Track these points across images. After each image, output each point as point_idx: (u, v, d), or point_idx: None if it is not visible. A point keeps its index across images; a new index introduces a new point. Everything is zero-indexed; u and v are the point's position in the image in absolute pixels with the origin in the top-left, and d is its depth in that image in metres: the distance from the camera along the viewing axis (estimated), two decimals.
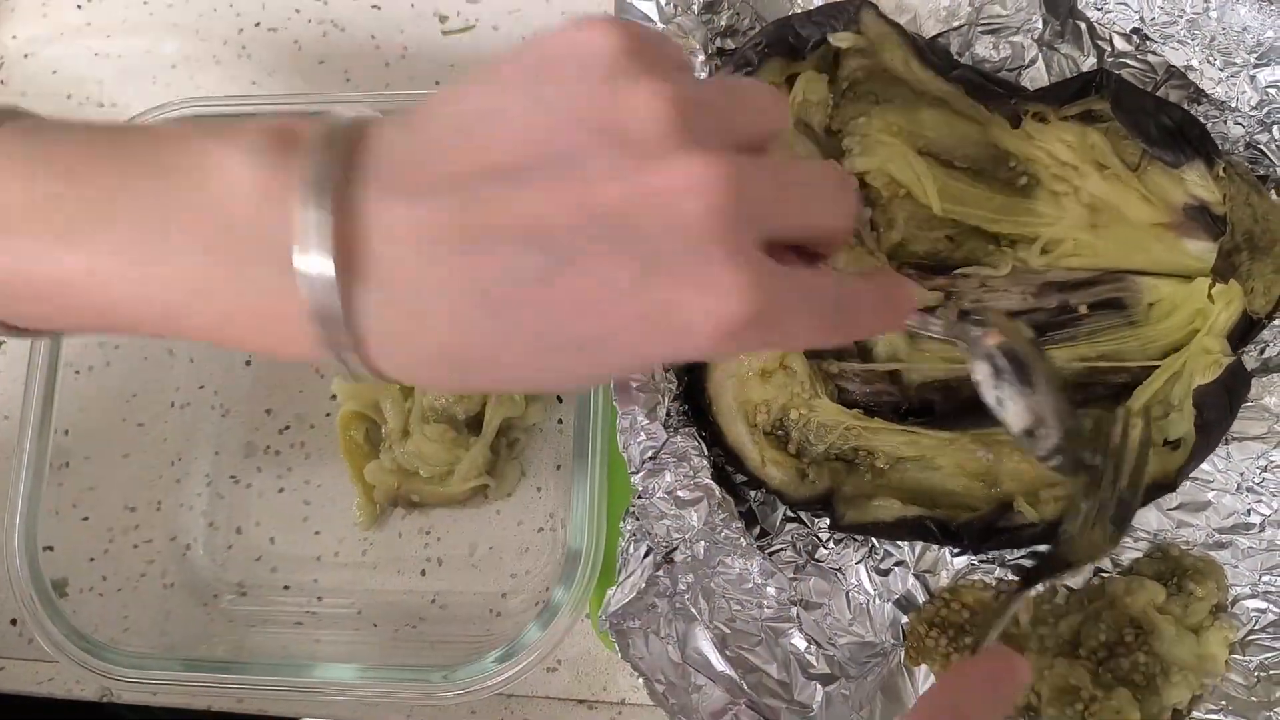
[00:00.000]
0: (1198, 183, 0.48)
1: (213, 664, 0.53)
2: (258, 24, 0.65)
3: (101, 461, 0.59)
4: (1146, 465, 0.46)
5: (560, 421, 0.58)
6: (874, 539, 0.51)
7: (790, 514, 0.52)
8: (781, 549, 0.51)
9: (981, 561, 0.51)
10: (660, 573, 0.48)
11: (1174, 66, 0.50)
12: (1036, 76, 0.52)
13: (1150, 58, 0.51)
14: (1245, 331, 0.49)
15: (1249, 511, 0.50)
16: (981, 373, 0.44)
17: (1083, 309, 0.51)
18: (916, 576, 0.51)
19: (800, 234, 0.32)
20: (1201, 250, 0.49)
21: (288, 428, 0.60)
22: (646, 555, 0.48)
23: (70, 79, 0.65)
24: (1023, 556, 0.50)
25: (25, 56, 0.66)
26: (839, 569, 0.51)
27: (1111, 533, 0.45)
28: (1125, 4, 0.50)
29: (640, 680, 0.47)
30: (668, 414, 0.49)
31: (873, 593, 0.51)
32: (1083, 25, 0.52)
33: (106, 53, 0.65)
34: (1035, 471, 0.49)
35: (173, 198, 0.29)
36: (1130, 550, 0.50)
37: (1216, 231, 0.49)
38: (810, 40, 0.50)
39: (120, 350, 0.60)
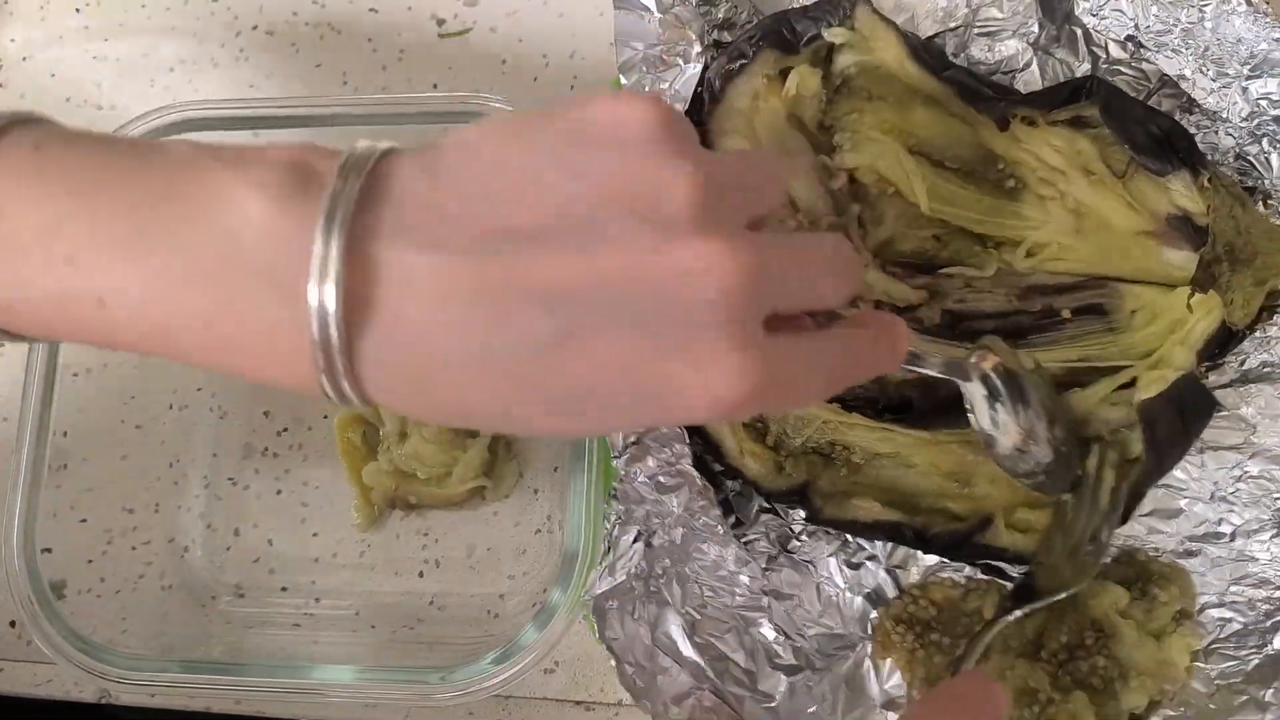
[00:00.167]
0: (1182, 192, 0.49)
1: (211, 665, 0.53)
2: (255, 27, 0.65)
3: (100, 463, 0.59)
4: (1122, 498, 0.46)
5: None
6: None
7: (765, 505, 0.52)
8: (755, 539, 0.51)
9: (952, 559, 0.51)
10: (639, 556, 0.48)
11: (1167, 75, 0.50)
12: (1030, 80, 0.53)
13: (1144, 65, 0.51)
14: (1224, 342, 0.49)
15: (1220, 521, 0.50)
16: (976, 395, 0.45)
17: (1065, 313, 0.51)
18: (888, 571, 0.51)
19: (804, 307, 0.33)
20: (1183, 260, 0.50)
21: (285, 430, 0.60)
22: (636, 540, 0.48)
23: (68, 81, 0.65)
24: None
25: (24, 59, 0.66)
26: (811, 561, 0.51)
27: (1089, 562, 0.46)
28: (1121, 11, 0.50)
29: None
30: None
31: (843, 586, 0.51)
32: (1078, 31, 0.52)
33: (104, 55, 0.65)
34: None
35: (187, 228, 0.29)
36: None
37: (1198, 242, 0.49)
38: (805, 35, 0.51)
39: (118, 353, 0.60)
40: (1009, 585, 0.50)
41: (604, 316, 0.28)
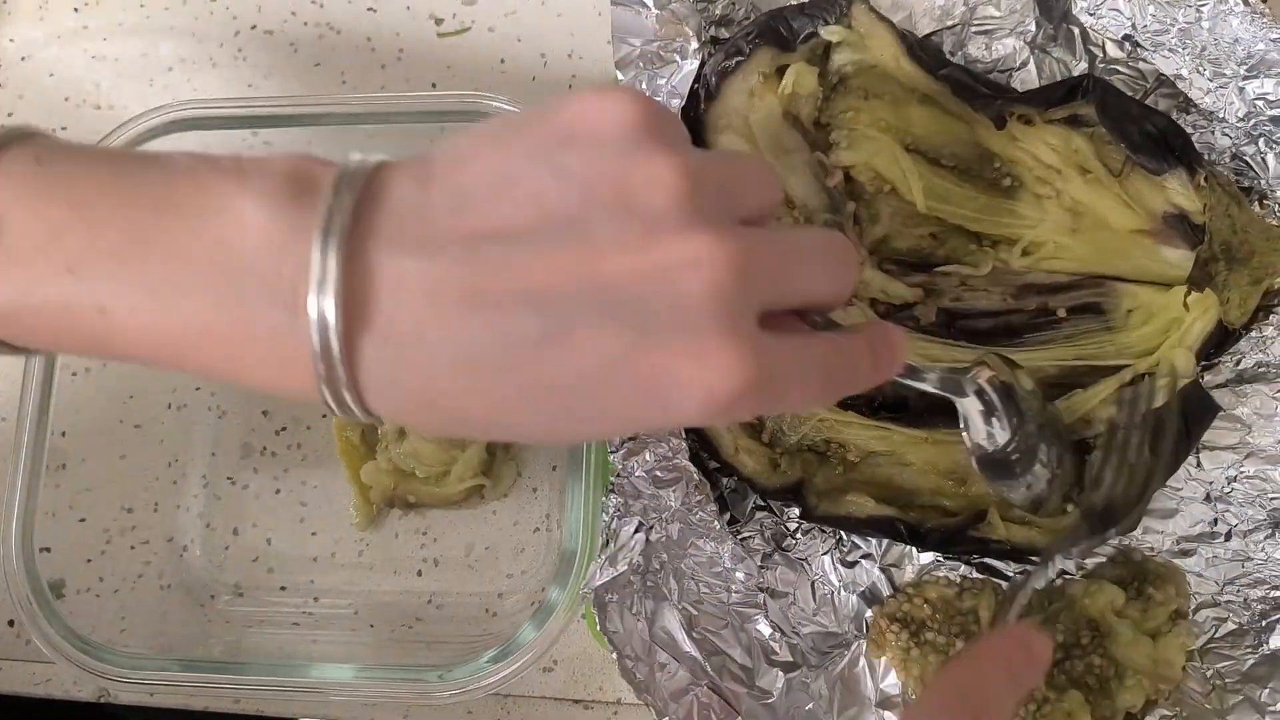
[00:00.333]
0: (1179, 191, 0.49)
1: (210, 664, 0.53)
2: (254, 27, 0.65)
3: (98, 463, 0.59)
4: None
5: None
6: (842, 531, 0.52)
7: (760, 503, 0.52)
8: (751, 536, 0.52)
9: (946, 558, 0.51)
10: (641, 547, 0.48)
11: (1164, 75, 0.50)
12: (1028, 79, 0.53)
13: (1141, 65, 0.51)
14: (1220, 341, 0.49)
15: (1216, 521, 0.50)
16: (971, 410, 0.45)
17: (1061, 312, 0.51)
18: (882, 570, 0.51)
19: (799, 303, 0.32)
20: (1179, 259, 0.50)
21: (284, 429, 0.60)
22: (637, 530, 0.48)
23: (67, 81, 0.65)
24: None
25: (22, 59, 0.66)
26: (806, 559, 0.51)
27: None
28: (1118, 10, 0.50)
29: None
30: None
31: (838, 584, 0.51)
32: (1075, 30, 0.52)
33: (103, 55, 0.65)
34: None
35: (187, 237, 0.29)
36: (1093, 554, 0.50)
37: (1195, 241, 0.49)
38: (802, 32, 0.51)
39: None
40: (1004, 585, 0.50)
41: (592, 313, 0.28)
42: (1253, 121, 0.49)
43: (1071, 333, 0.51)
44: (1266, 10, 0.48)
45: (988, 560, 0.50)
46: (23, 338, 0.32)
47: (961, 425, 0.46)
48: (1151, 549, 0.50)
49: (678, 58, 0.51)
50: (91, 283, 0.29)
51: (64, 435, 0.57)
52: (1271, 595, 0.48)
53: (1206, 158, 0.50)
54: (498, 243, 0.28)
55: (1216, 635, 0.49)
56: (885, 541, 0.51)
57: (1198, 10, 0.49)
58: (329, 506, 0.59)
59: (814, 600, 0.51)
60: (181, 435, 0.60)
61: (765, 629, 0.50)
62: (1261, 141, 0.50)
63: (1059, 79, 0.52)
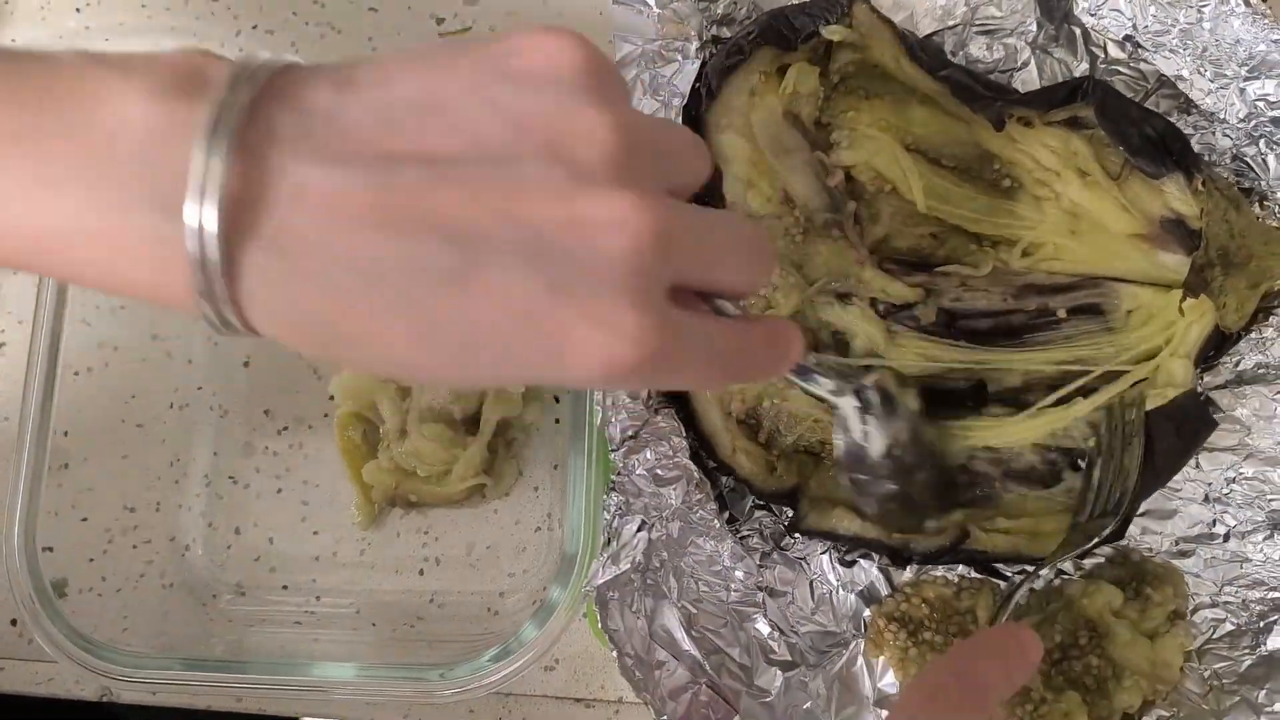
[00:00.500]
0: (1176, 196, 0.48)
1: (212, 663, 0.53)
2: (255, 26, 0.65)
3: (100, 462, 0.59)
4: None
5: (557, 421, 0.59)
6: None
7: (758, 502, 0.52)
8: (749, 535, 0.52)
9: (936, 565, 0.51)
10: (643, 545, 0.49)
11: (1165, 76, 0.50)
12: (1029, 79, 0.53)
13: (1142, 65, 0.51)
14: (1218, 345, 0.49)
15: (1214, 522, 0.50)
16: (848, 408, 0.46)
17: (1061, 313, 0.51)
18: (880, 569, 0.51)
19: (709, 287, 0.31)
20: (1176, 263, 0.50)
21: (286, 428, 0.60)
22: (640, 529, 0.48)
23: None
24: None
25: None
26: (804, 558, 0.51)
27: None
28: (1119, 11, 0.50)
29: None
30: (649, 394, 0.49)
31: (836, 583, 0.51)
32: (1077, 30, 0.52)
33: None
34: None
35: (63, 131, 0.27)
36: (1092, 555, 0.50)
37: (1191, 246, 0.49)
38: (803, 31, 0.50)
39: (119, 352, 0.60)
40: (1002, 585, 0.50)
41: (506, 258, 0.27)
42: (1254, 123, 0.49)
43: (1071, 333, 0.51)
44: (1268, 11, 0.48)
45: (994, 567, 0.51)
46: None
47: (837, 425, 0.47)
48: (1150, 550, 0.50)
49: (679, 57, 0.51)
50: None
51: (66, 435, 0.57)
52: (1270, 596, 0.48)
53: (1207, 159, 0.50)
54: (418, 165, 0.27)
55: (1214, 636, 0.49)
56: None
57: (1199, 11, 0.49)
58: (331, 506, 0.59)
59: (812, 599, 0.51)
60: (183, 434, 0.60)
61: (764, 628, 0.50)
62: (1262, 143, 0.49)
63: (1060, 79, 0.52)
